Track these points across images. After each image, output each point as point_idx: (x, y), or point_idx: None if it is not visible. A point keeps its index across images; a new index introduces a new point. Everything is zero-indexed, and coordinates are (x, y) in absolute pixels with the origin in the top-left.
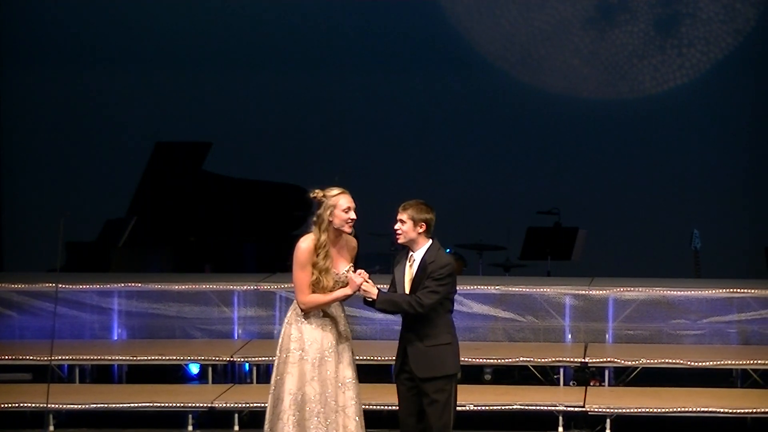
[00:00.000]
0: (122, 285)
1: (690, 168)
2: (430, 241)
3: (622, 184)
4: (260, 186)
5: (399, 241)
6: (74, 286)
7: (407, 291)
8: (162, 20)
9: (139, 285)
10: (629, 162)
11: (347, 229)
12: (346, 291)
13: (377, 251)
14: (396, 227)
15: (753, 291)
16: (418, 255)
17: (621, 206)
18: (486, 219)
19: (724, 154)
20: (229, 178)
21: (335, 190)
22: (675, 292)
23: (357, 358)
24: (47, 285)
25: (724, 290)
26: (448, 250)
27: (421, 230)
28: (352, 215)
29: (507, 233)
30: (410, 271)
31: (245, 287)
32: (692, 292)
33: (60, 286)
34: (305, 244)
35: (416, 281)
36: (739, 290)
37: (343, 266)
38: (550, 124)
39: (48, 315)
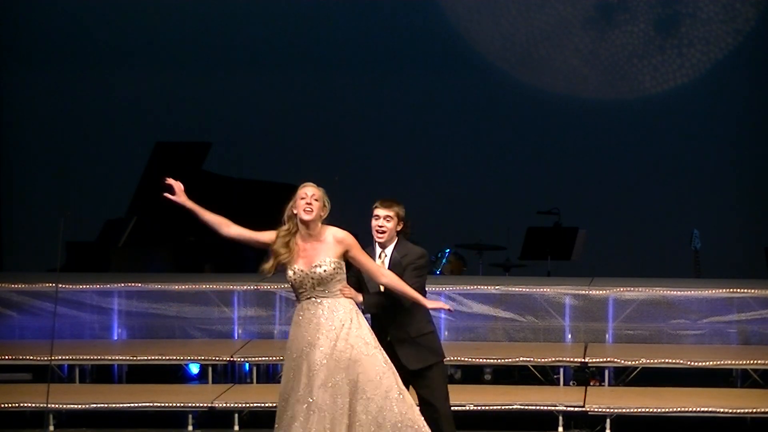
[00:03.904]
0: (122, 285)
1: (690, 168)
2: (396, 237)
3: (622, 184)
4: (260, 186)
5: (382, 240)
6: (74, 286)
7: (382, 289)
8: (162, 21)
9: (139, 285)
10: (629, 162)
11: (304, 215)
12: None
13: None
14: (380, 224)
15: (753, 291)
16: (389, 251)
17: (621, 206)
18: (486, 219)
19: (724, 154)
20: (229, 178)
21: (303, 183)
22: (675, 292)
23: None
24: (47, 285)
25: (724, 290)
26: (447, 251)
27: (399, 228)
28: (308, 200)
29: (507, 233)
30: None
31: (245, 287)
32: (692, 292)
33: (60, 286)
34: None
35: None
36: (739, 290)
37: (318, 260)
38: (550, 124)
39: (48, 315)
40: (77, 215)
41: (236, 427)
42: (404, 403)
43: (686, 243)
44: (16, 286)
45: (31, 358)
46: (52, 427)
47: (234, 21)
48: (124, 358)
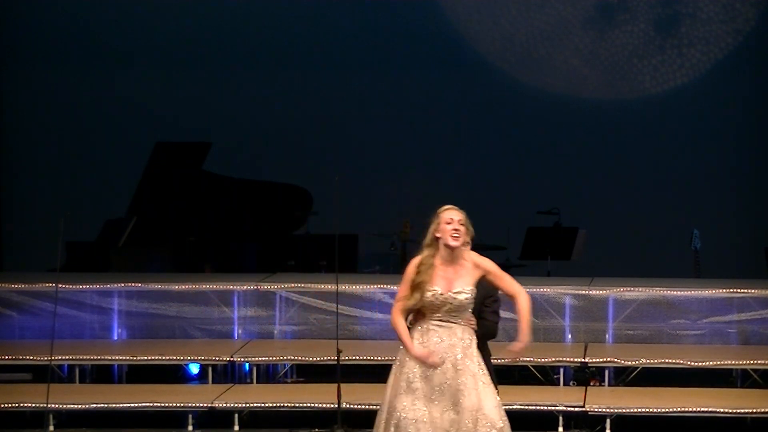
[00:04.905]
0: (122, 285)
1: (690, 168)
2: None
3: (622, 184)
4: (260, 186)
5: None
6: (74, 286)
7: None
8: (162, 21)
9: (139, 285)
10: (629, 162)
11: (451, 241)
12: (411, 348)
13: (377, 251)
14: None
15: (753, 291)
16: None
17: (621, 206)
18: (486, 219)
19: (725, 154)
20: (229, 178)
21: (444, 207)
22: (675, 292)
23: (357, 357)
24: (47, 285)
25: (724, 290)
26: None
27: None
28: (455, 226)
29: (507, 233)
30: None
31: (245, 287)
32: (692, 292)
33: (60, 286)
34: (413, 259)
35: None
36: (739, 290)
37: (459, 286)
38: (550, 124)
39: (48, 315)
40: (77, 215)
41: (236, 427)
42: None
43: (686, 243)
44: (16, 286)
45: (31, 358)
46: (52, 427)
47: (234, 21)
48: (124, 358)
